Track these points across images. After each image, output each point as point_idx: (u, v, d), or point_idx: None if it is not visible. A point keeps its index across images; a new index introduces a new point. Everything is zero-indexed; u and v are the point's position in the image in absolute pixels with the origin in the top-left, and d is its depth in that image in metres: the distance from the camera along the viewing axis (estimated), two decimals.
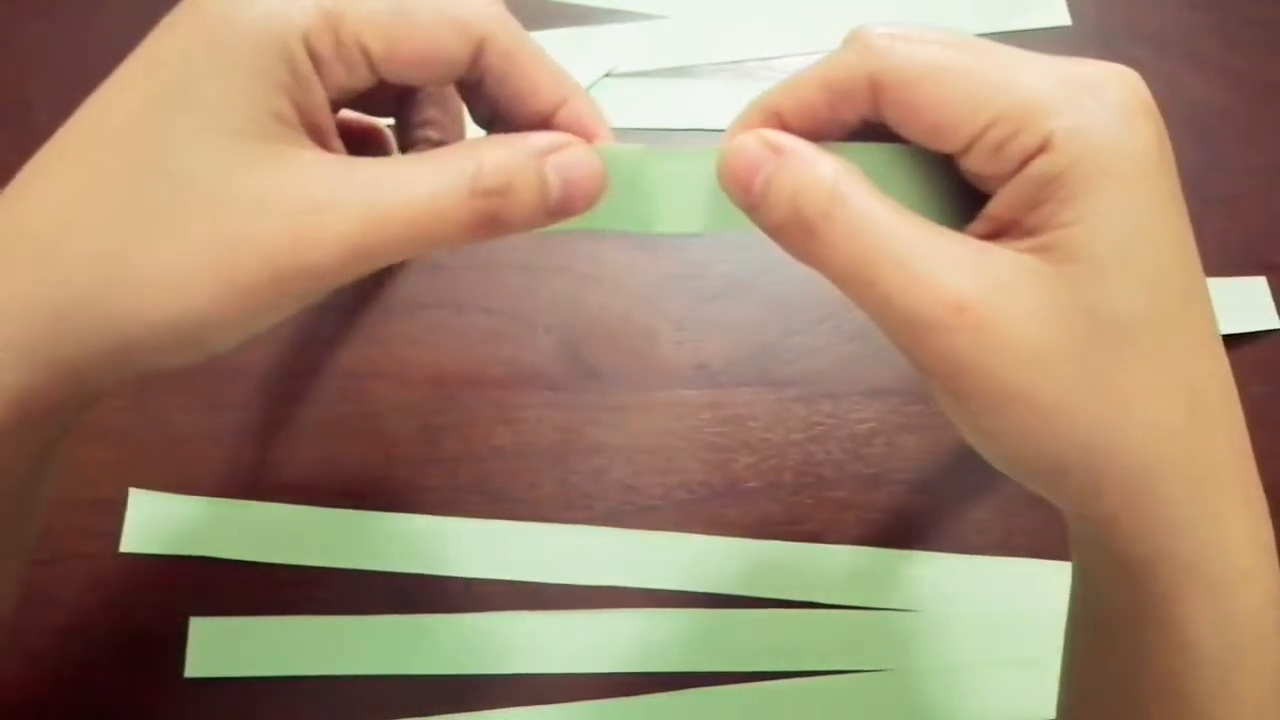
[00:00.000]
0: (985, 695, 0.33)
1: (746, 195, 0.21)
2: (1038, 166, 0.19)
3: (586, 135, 0.22)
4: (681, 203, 0.22)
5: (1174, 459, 0.20)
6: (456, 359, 0.36)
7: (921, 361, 0.20)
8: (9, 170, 0.37)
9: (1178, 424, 0.20)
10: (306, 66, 0.20)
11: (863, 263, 0.20)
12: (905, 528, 0.35)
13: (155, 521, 0.34)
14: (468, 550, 0.34)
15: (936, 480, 0.35)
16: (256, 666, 0.33)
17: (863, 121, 0.22)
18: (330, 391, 0.36)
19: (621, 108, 0.40)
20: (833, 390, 0.36)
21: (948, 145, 0.20)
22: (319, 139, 0.21)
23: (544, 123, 0.22)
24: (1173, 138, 0.42)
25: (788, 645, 0.33)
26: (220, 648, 0.33)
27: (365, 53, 0.20)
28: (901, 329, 0.20)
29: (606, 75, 0.40)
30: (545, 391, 0.36)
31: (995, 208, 0.20)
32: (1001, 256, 0.20)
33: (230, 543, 0.34)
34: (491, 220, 0.20)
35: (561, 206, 0.21)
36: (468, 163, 0.20)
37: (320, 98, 0.20)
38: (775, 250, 0.39)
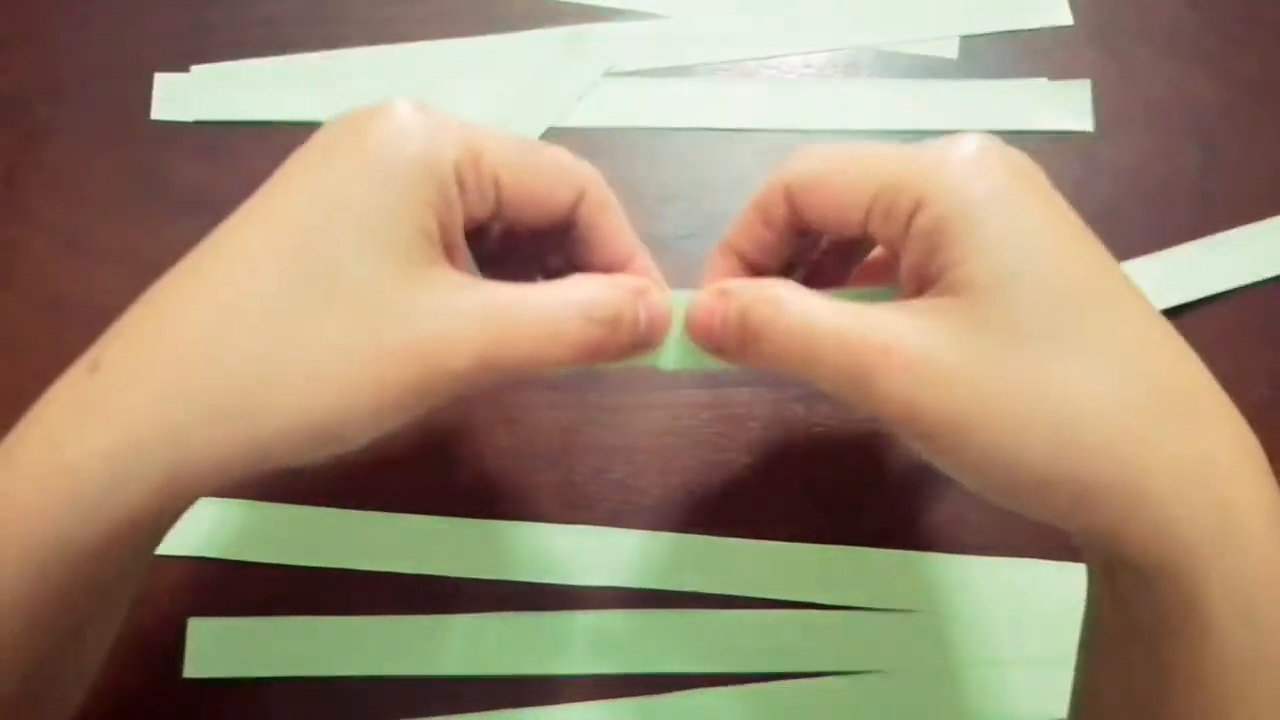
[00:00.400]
0: (985, 695, 0.33)
1: (709, 337, 0.24)
2: (919, 222, 0.22)
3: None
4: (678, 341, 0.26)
5: (1148, 451, 0.21)
6: None
7: (883, 415, 0.22)
8: (8, 169, 0.37)
9: (1141, 416, 0.21)
10: (454, 191, 0.22)
11: (807, 345, 0.22)
12: (905, 528, 0.35)
13: None
14: (467, 550, 0.34)
15: (936, 481, 0.35)
16: (256, 666, 0.33)
17: (794, 230, 0.25)
18: None
19: (621, 108, 0.40)
20: None
21: (851, 224, 0.24)
22: (452, 257, 0.23)
23: (619, 271, 0.26)
24: (1173, 138, 0.43)
25: (788, 645, 0.33)
26: (220, 648, 0.33)
27: (497, 185, 0.23)
28: (852, 389, 0.22)
29: (606, 75, 0.40)
30: (545, 391, 0.36)
31: (903, 267, 0.23)
32: (917, 305, 0.22)
33: (230, 543, 0.34)
34: (598, 347, 0.23)
35: (645, 340, 0.24)
36: (581, 295, 0.23)
37: (460, 219, 0.23)
38: None
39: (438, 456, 0.35)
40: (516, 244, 0.28)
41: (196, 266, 0.22)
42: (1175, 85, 0.41)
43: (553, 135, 0.39)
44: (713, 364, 0.25)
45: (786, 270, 0.28)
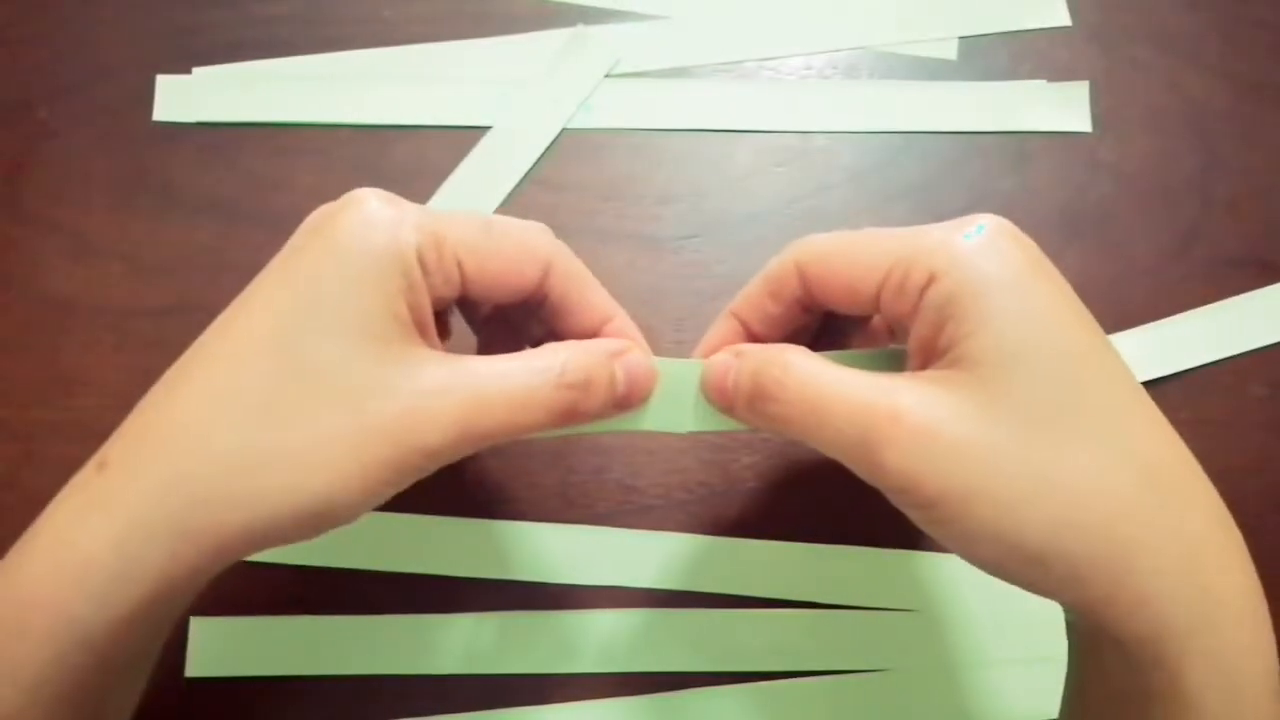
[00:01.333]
0: (984, 695, 0.33)
1: (721, 395, 0.25)
2: (931, 296, 0.23)
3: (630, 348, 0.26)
4: (675, 404, 0.27)
5: (1141, 531, 0.21)
6: None
7: (884, 483, 0.23)
8: (9, 170, 0.37)
9: (1135, 496, 0.22)
10: (418, 275, 0.23)
11: (815, 408, 0.23)
12: (905, 528, 0.35)
13: None
14: (468, 550, 0.34)
15: None
16: (256, 666, 0.33)
17: (800, 306, 0.27)
18: None
19: (622, 108, 0.40)
20: None
21: (862, 300, 0.25)
22: (425, 335, 0.24)
23: (595, 335, 0.27)
24: (1173, 138, 0.43)
25: (787, 645, 0.33)
26: (220, 648, 0.33)
27: (460, 268, 0.24)
28: (857, 455, 0.23)
29: (606, 75, 0.40)
30: None
31: (912, 340, 0.24)
32: (927, 376, 0.23)
33: None
34: (572, 409, 0.24)
35: (625, 400, 0.25)
36: (554, 360, 0.24)
37: (427, 300, 0.24)
38: (775, 251, 0.39)
39: None
40: (505, 313, 0.29)
41: (187, 367, 0.24)
42: (1174, 86, 0.41)
43: (556, 136, 0.39)
44: (731, 425, 0.26)
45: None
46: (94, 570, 0.22)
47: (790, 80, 0.41)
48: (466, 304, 0.29)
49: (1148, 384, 0.36)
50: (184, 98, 0.39)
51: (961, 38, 0.41)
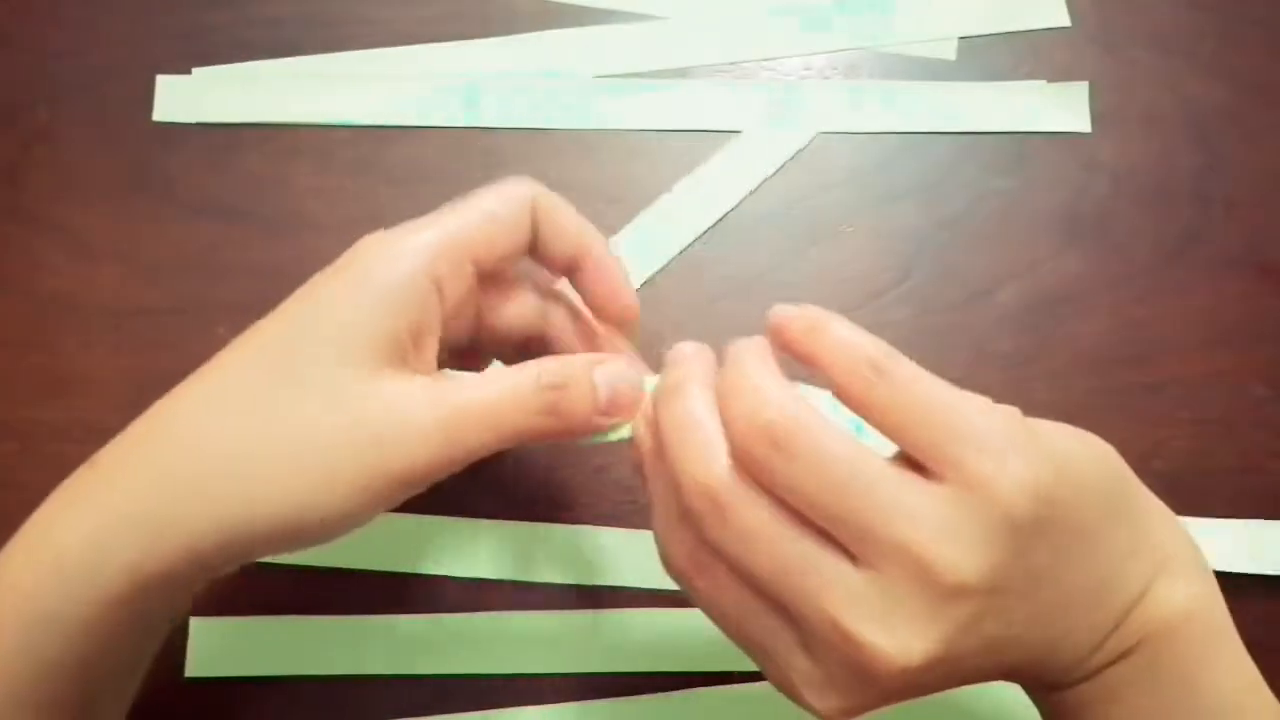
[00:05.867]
0: (984, 695, 0.33)
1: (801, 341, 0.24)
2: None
3: (608, 269, 0.28)
4: None
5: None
6: None
7: None
8: (9, 169, 0.37)
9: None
10: (429, 296, 0.24)
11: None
12: None
13: None
14: (468, 550, 0.34)
15: None
16: (256, 666, 0.33)
17: None
18: None
19: (621, 109, 0.40)
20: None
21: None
22: (425, 358, 0.25)
23: (575, 264, 0.27)
24: (1172, 138, 0.43)
25: None
26: (220, 648, 0.33)
27: (474, 258, 0.25)
28: None
29: (605, 76, 0.40)
30: None
31: None
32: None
33: None
34: (553, 409, 0.25)
35: (610, 407, 0.25)
36: (533, 368, 0.25)
37: (435, 316, 0.25)
38: (775, 252, 0.39)
39: None
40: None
41: (194, 376, 0.25)
42: (1173, 87, 0.41)
43: (555, 136, 0.39)
44: None
45: None
46: (67, 562, 0.22)
47: (790, 81, 0.41)
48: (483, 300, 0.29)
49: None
50: (184, 98, 0.39)
51: (961, 38, 0.41)
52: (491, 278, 0.27)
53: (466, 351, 0.29)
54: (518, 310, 0.28)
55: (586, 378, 0.25)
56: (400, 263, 0.24)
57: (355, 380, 0.23)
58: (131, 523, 0.22)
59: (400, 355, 0.24)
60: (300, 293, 0.25)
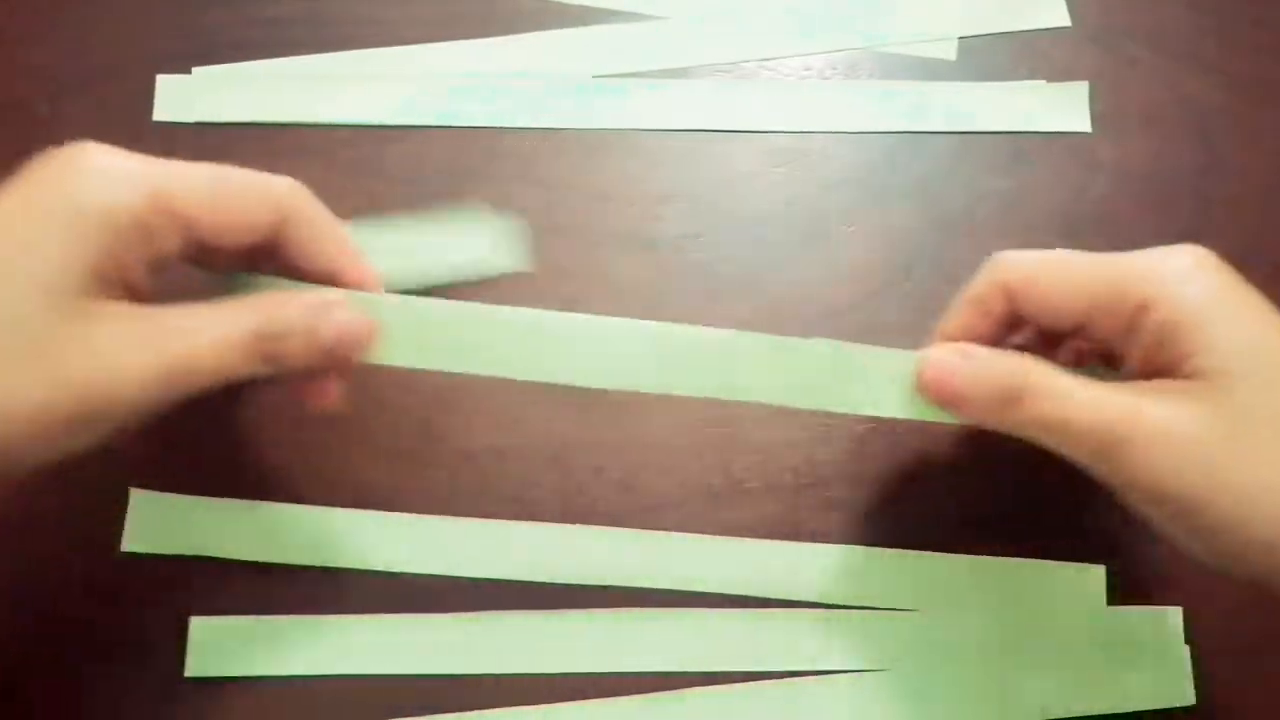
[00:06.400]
0: (985, 695, 0.33)
1: (942, 392, 0.28)
2: (1147, 322, 0.26)
3: (364, 287, 0.28)
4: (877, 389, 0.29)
5: None
6: None
7: (1127, 484, 0.26)
8: (10, 170, 0.37)
9: None
10: (132, 235, 0.24)
11: (1058, 413, 0.26)
12: (904, 528, 0.35)
13: (156, 521, 0.34)
14: (468, 550, 0.34)
15: (936, 480, 0.35)
16: (256, 666, 0.33)
17: (1004, 322, 0.29)
18: None
19: (621, 109, 0.40)
20: None
21: (1069, 319, 0.28)
22: (134, 292, 0.25)
23: (334, 275, 0.28)
24: (1173, 138, 0.43)
25: (787, 645, 0.33)
26: (220, 648, 0.33)
27: (191, 223, 0.26)
28: (1100, 456, 0.26)
29: (606, 76, 0.40)
30: (545, 391, 0.36)
31: (1130, 361, 0.27)
32: (1153, 386, 0.26)
33: (231, 543, 0.34)
34: (270, 357, 0.26)
35: (335, 352, 0.27)
36: (251, 316, 0.26)
37: (142, 258, 0.25)
38: (774, 251, 0.39)
39: (439, 457, 0.35)
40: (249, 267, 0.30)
41: None
42: (1173, 86, 0.41)
43: (555, 136, 0.39)
44: (936, 416, 0.29)
45: None
46: None
47: (790, 80, 0.41)
48: (204, 258, 0.29)
49: None
50: (184, 98, 0.39)
51: (961, 38, 0.41)
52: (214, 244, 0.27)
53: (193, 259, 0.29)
54: (237, 238, 0.27)
55: (305, 326, 0.26)
56: (111, 193, 0.24)
57: (63, 322, 0.23)
58: None
59: (107, 290, 0.24)
60: None
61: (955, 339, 0.30)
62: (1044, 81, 0.40)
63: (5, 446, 0.23)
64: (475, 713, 0.33)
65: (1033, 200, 0.39)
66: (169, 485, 0.34)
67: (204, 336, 0.25)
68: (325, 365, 0.27)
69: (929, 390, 0.28)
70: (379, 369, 0.36)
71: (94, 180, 0.24)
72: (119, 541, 0.34)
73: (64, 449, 0.24)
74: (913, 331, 0.37)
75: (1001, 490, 0.35)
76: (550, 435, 0.36)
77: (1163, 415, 0.25)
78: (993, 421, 0.27)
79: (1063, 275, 0.28)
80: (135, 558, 0.34)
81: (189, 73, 0.40)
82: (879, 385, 0.29)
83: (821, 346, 0.29)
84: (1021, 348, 0.29)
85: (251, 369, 0.26)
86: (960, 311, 0.30)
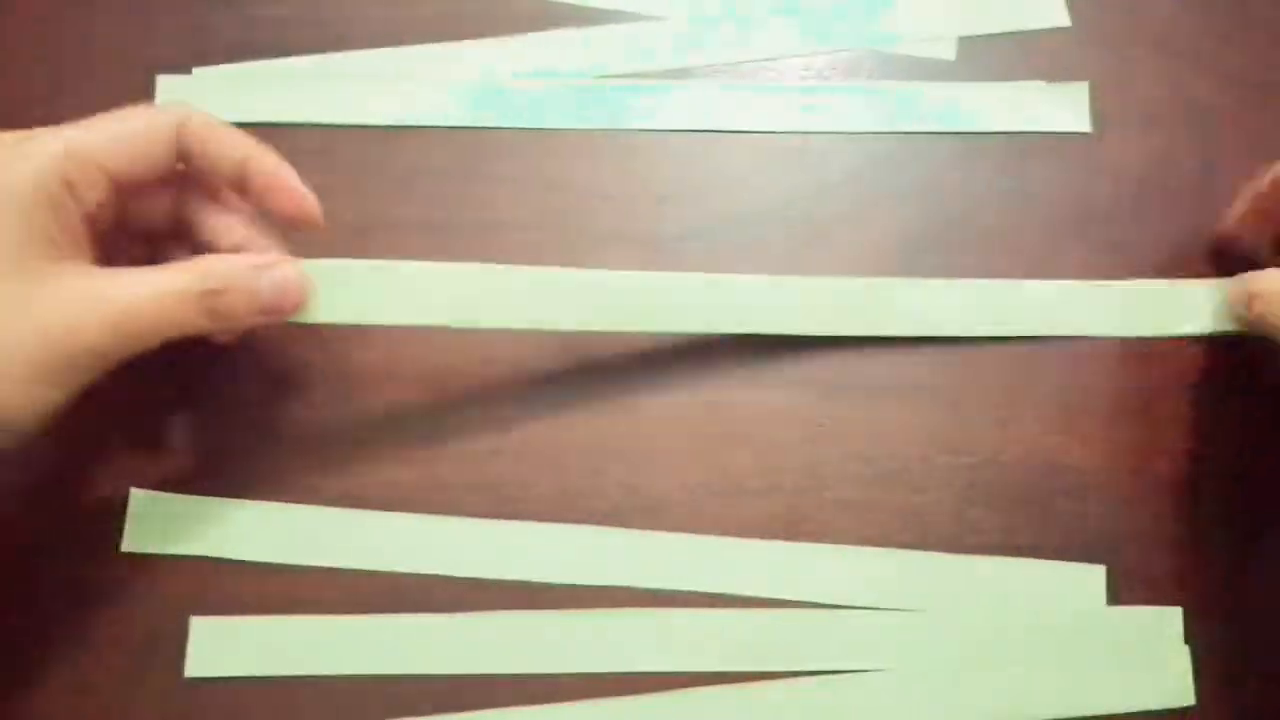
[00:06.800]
0: (985, 695, 0.33)
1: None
2: None
3: (276, 170, 0.30)
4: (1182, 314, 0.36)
5: None
6: (457, 359, 0.36)
7: None
8: None
9: None
10: (63, 196, 0.27)
11: None
12: (905, 528, 0.35)
13: (156, 521, 0.34)
14: (468, 550, 0.34)
15: (936, 480, 0.35)
16: (256, 666, 0.33)
17: None
18: (331, 391, 0.36)
19: (620, 109, 0.40)
20: (833, 390, 0.36)
21: None
22: (86, 252, 0.28)
23: (241, 176, 0.30)
24: (1173, 138, 0.43)
25: (788, 645, 0.33)
26: (220, 648, 0.33)
27: (104, 170, 0.27)
28: None
29: (605, 77, 0.40)
30: (544, 391, 0.36)
31: None
32: None
33: (231, 543, 0.34)
34: (213, 312, 0.28)
35: (275, 304, 0.29)
36: (196, 271, 0.28)
37: (77, 218, 0.27)
38: (774, 251, 0.39)
39: (438, 456, 0.35)
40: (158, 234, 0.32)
41: None
42: (1173, 86, 0.41)
43: (555, 136, 0.39)
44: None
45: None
46: None
47: (789, 81, 0.41)
48: (136, 210, 0.31)
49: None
50: (184, 98, 0.39)
51: (960, 38, 0.41)
52: (137, 187, 0.29)
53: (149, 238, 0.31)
54: (151, 164, 0.29)
55: (247, 282, 0.28)
56: (36, 168, 0.26)
57: (18, 285, 0.26)
58: None
59: (58, 252, 0.27)
60: None
61: (1235, 237, 0.36)
62: (1044, 81, 0.40)
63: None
64: (475, 713, 0.33)
65: (1033, 201, 0.39)
66: (169, 485, 0.34)
67: (147, 288, 0.27)
68: (264, 320, 0.29)
69: (1262, 322, 0.32)
70: (379, 369, 0.36)
71: (13, 159, 0.27)
72: (119, 541, 0.34)
73: (43, 403, 0.26)
74: None
75: (1001, 490, 0.35)
76: (550, 435, 0.36)
77: None
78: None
79: None
80: (135, 558, 0.34)
81: (189, 73, 0.40)
82: (1185, 311, 0.36)
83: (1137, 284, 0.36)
84: None
85: (195, 323, 0.28)
86: (1243, 213, 0.35)
